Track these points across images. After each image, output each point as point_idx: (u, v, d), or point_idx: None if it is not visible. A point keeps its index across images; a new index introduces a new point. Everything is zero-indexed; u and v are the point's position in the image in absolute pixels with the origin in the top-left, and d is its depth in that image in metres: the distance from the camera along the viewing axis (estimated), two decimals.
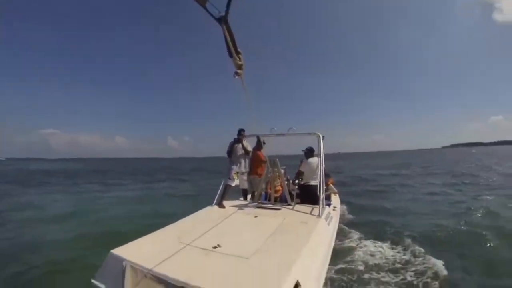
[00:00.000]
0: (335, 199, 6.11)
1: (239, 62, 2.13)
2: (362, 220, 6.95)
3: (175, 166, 46.64)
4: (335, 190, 6.81)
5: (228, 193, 4.68)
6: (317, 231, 3.07)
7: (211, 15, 2.04)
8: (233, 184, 4.79)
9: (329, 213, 4.08)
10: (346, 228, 5.91)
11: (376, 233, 5.61)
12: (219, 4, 2.05)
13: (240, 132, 5.00)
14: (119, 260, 2.25)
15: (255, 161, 5.13)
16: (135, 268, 2.12)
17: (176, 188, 16.04)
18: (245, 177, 4.99)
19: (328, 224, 3.75)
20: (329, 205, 4.65)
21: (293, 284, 1.86)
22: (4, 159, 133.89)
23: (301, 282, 1.92)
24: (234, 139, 5.02)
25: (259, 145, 5.20)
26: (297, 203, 4.42)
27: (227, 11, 2.05)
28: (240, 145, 4.92)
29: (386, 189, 13.09)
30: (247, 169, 5.02)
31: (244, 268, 2.08)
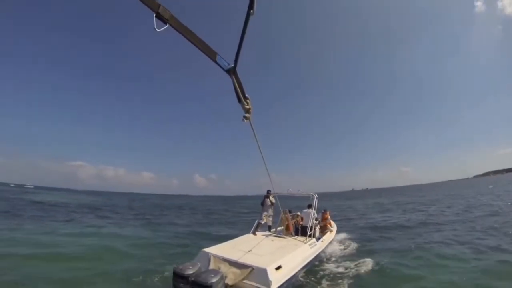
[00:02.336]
0: (329, 234, 9.10)
1: (247, 107, 2.26)
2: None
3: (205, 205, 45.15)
4: (331, 224, 10.09)
5: (259, 227, 8.34)
6: (300, 249, 6.50)
7: (221, 67, 2.26)
8: (263, 222, 8.39)
9: (314, 242, 7.32)
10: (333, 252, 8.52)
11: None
12: (228, 55, 2.27)
13: (268, 191, 8.75)
14: (206, 253, 5.55)
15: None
16: (215, 256, 5.37)
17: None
18: (271, 219, 8.66)
19: (311, 247, 6.98)
20: (318, 238, 7.93)
21: (277, 265, 5.00)
22: (32, 186, 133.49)
23: (282, 266, 5.09)
24: (265, 195, 8.78)
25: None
26: (298, 236, 8.05)
27: (235, 63, 2.27)
28: (268, 199, 8.66)
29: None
30: (271, 214, 8.73)
31: (262, 258, 5.28)
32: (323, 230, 9.38)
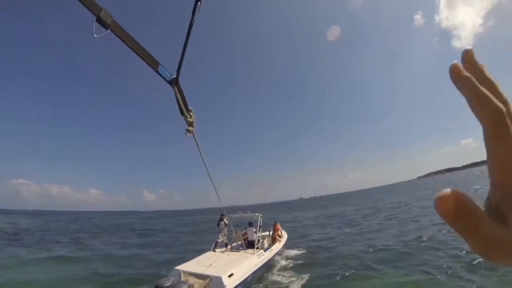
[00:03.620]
0: (277, 244, 10.71)
1: (190, 120, 2.19)
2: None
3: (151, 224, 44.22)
4: (281, 234, 11.69)
5: (217, 245, 9.82)
6: (249, 260, 8.14)
7: (164, 78, 2.18)
8: (219, 241, 9.97)
9: (261, 253, 9.08)
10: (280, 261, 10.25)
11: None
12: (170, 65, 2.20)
13: (222, 215, 10.30)
14: (177, 270, 7.21)
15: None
16: (184, 271, 7.07)
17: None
18: (225, 237, 10.30)
19: (258, 257, 8.67)
20: (264, 249, 9.53)
21: (230, 273, 6.80)
22: None
23: (234, 274, 6.88)
24: (219, 218, 10.41)
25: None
26: (247, 248, 9.73)
27: (178, 74, 2.22)
28: (222, 222, 10.27)
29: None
30: (226, 233, 10.40)
31: (218, 269, 7.03)
32: (274, 240, 11.01)
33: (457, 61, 0.31)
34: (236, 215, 11.59)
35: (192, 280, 6.67)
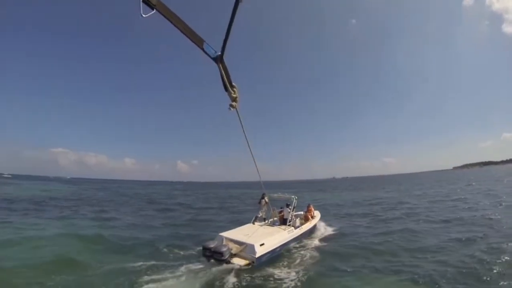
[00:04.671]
0: (308, 223, 11.66)
1: (234, 95, 2.28)
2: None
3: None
4: (313, 214, 12.64)
5: (257, 219, 11.29)
6: (279, 234, 9.61)
7: (208, 55, 2.26)
8: (259, 216, 11.46)
9: (292, 229, 10.21)
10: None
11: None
12: (215, 43, 2.27)
13: (263, 194, 11.71)
14: (221, 236, 8.86)
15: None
16: (225, 237, 8.73)
17: None
18: (265, 213, 11.70)
19: (288, 233, 9.85)
20: (294, 226, 10.66)
21: (261, 243, 8.35)
22: (10, 176, 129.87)
23: (265, 244, 8.42)
24: (260, 197, 11.83)
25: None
26: (281, 225, 11.01)
27: (222, 51, 2.28)
28: (263, 200, 11.69)
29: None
30: (265, 210, 11.70)
31: (253, 239, 8.59)
32: (307, 219, 12.07)
33: None
34: (275, 195, 12.97)
35: (231, 245, 8.25)
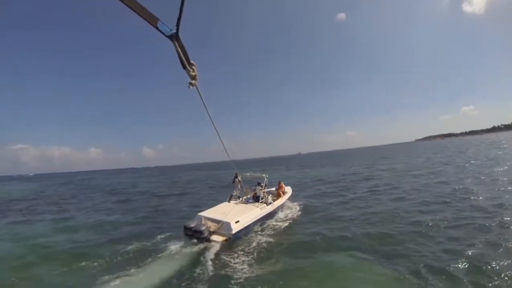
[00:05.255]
0: (280, 200, 12.25)
1: (193, 73, 2.31)
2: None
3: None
4: (284, 190, 13.37)
5: (232, 197, 11.91)
6: (253, 211, 10.25)
7: (163, 33, 2.24)
8: (234, 194, 12.07)
9: (264, 206, 10.89)
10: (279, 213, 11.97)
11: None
12: (168, 21, 2.27)
13: (236, 174, 12.32)
14: (200, 215, 9.59)
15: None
16: (204, 216, 9.42)
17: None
18: (239, 192, 12.26)
19: (261, 210, 10.54)
20: (266, 203, 11.25)
21: (236, 220, 9.09)
22: None
23: (240, 221, 9.14)
24: (234, 176, 12.41)
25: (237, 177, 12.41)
26: (254, 202, 11.51)
27: (177, 28, 2.27)
28: (236, 179, 12.32)
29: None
30: (239, 189, 12.32)
31: (229, 216, 9.30)
32: (279, 196, 12.68)
33: None
34: (248, 174, 13.85)
35: (209, 223, 9.01)
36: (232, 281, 6.13)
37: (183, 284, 6.23)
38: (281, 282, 5.94)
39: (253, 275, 6.40)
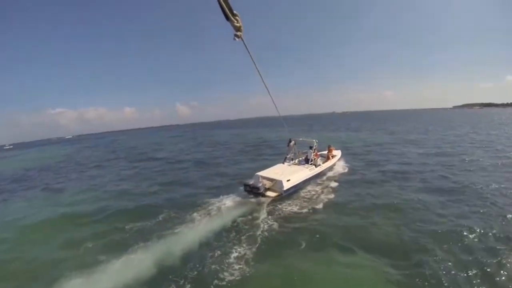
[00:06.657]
0: (328, 162, 13.71)
1: (237, 24, 2.23)
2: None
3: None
4: (333, 154, 14.77)
5: (286, 159, 13.02)
6: (302, 171, 11.56)
7: None
8: (288, 156, 13.13)
9: (313, 168, 12.13)
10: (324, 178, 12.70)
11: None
12: None
13: (290, 139, 13.51)
14: (257, 175, 10.91)
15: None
16: (260, 175, 10.77)
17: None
18: (293, 155, 13.33)
19: (310, 171, 11.86)
20: (315, 165, 12.30)
21: (288, 179, 10.38)
22: (10, 146, 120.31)
23: (290, 179, 10.47)
24: (288, 141, 13.55)
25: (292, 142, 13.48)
26: (306, 163, 12.57)
27: None
28: (291, 143, 13.31)
29: None
30: (293, 152, 13.32)
31: (282, 175, 10.60)
32: (328, 159, 14.10)
33: None
34: (300, 139, 14.73)
35: (265, 181, 10.33)
36: (283, 229, 7.72)
37: (244, 228, 7.90)
38: (322, 230, 7.55)
39: (301, 225, 7.97)
